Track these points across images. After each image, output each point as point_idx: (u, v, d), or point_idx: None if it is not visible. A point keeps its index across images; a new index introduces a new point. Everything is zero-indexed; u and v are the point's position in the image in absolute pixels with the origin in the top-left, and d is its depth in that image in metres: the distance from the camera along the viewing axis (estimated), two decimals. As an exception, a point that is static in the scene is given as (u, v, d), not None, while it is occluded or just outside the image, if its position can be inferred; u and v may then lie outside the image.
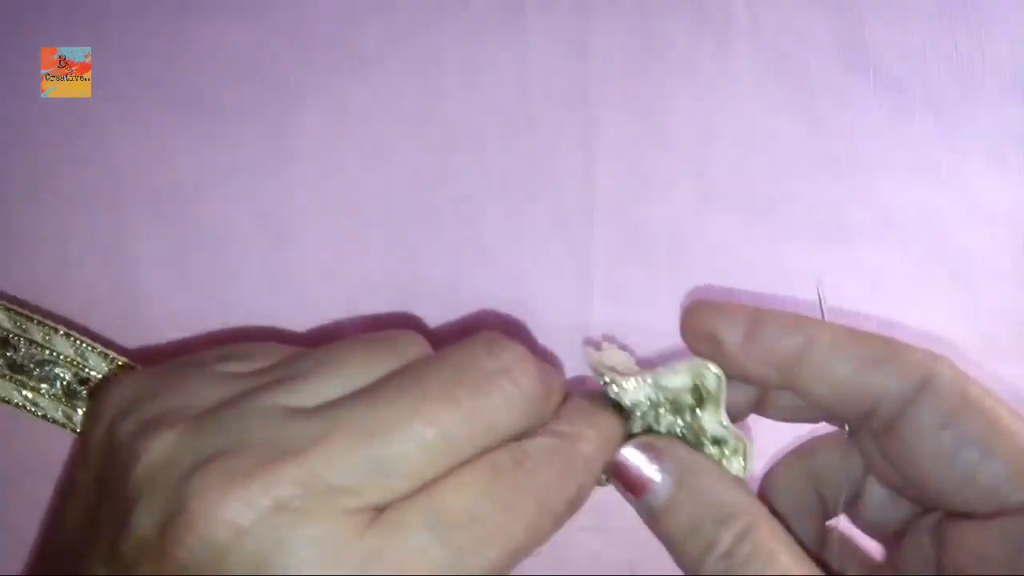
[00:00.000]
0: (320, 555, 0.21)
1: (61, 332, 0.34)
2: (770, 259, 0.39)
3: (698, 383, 0.28)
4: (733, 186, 0.39)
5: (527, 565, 0.28)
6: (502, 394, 0.24)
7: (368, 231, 0.39)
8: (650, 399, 0.28)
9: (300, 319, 0.39)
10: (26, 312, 0.35)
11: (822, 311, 0.32)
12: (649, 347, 0.38)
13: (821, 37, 0.39)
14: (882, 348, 0.26)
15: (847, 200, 0.39)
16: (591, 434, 0.26)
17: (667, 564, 0.27)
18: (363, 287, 0.39)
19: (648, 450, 0.27)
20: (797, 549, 0.24)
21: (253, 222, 0.39)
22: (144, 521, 0.22)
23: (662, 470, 0.26)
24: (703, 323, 0.28)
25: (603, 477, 0.28)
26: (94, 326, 0.38)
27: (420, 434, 0.23)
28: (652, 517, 0.26)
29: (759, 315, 0.27)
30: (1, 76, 0.39)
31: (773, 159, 0.39)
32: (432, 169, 0.39)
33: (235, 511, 0.21)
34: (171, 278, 0.39)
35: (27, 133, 0.39)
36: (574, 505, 0.25)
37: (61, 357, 0.34)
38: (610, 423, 0.27)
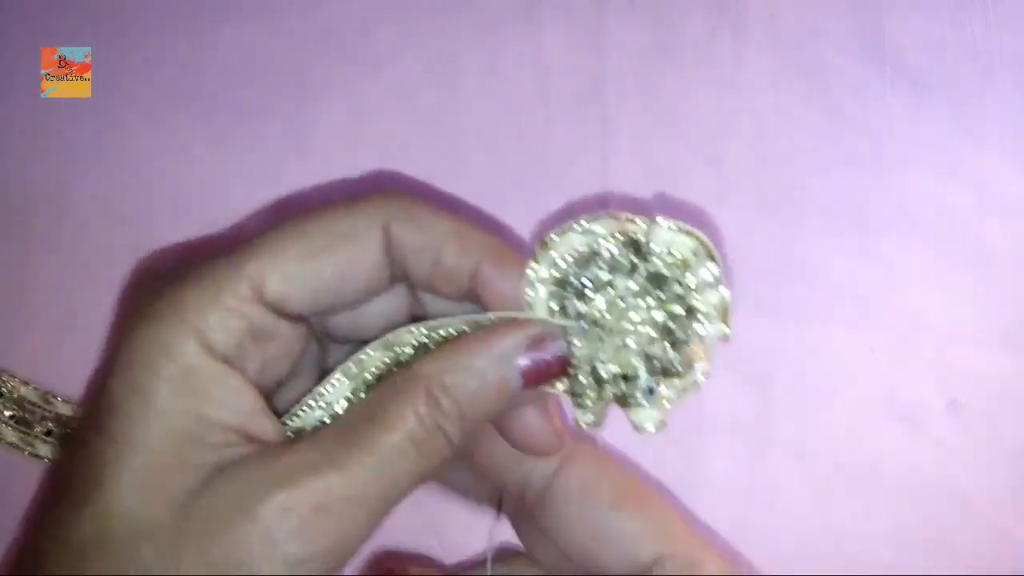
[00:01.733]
0: None
1: None
2: (786, 252, 0.38)
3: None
4: (749, 180, 0.39)
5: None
6: None
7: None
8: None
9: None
10: None
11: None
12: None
13: (838, 30, 0.39)
14: None
15: (864, 193, 0.38)
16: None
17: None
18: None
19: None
20: None
21: (271, 219, 0.39)
22: None
23: None
24: None
25: None
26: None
27: None
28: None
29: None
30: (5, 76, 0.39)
31: (789, 152, 0.39)
32: (448, 165, 0.39)
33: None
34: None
35: (41, 133, 0.39)
36: None
37: None
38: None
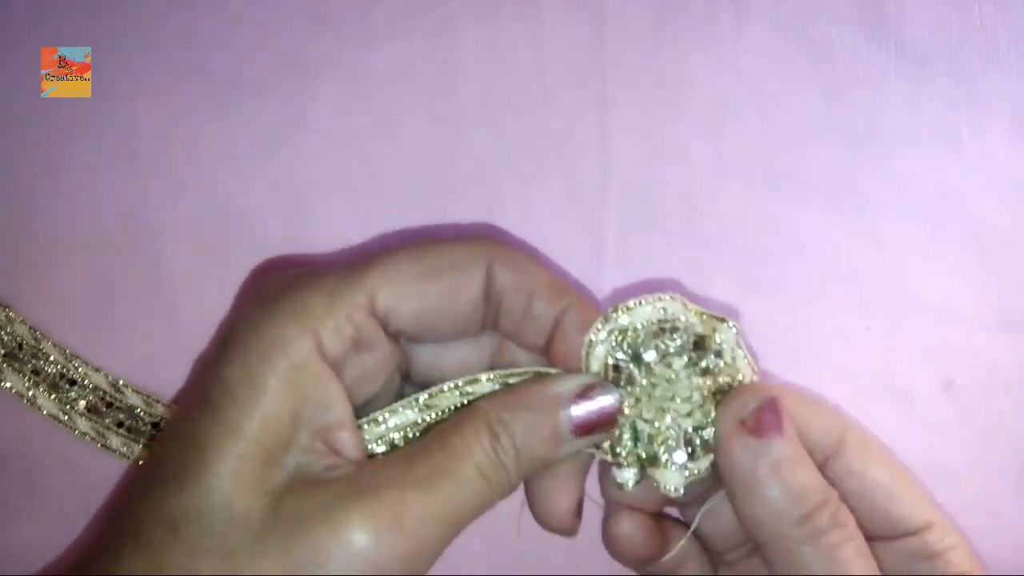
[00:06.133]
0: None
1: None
2: (786, 230, 0.39)
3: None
4: (749, 157, 0.39)
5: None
6: None
7: (384, 202, 0.40)
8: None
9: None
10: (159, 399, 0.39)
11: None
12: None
13: (840, 6, 0.38)
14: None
15: (865, 171, 0.38)
16: None
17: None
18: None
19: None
20: None
21: (271, 194, 0.40)
22: None
23: None
24: None
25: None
26: (117, 298, 0.40)
27: None
28: None
29: None
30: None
31: (790, 130, 0.39)
32: (447, 141, 0.40)
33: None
34: (190, 249, 0.40)
35: (42, 109, 0.40)
36: None
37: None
38: None
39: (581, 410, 0.28)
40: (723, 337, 0.28)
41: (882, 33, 0.38)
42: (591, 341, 0.28)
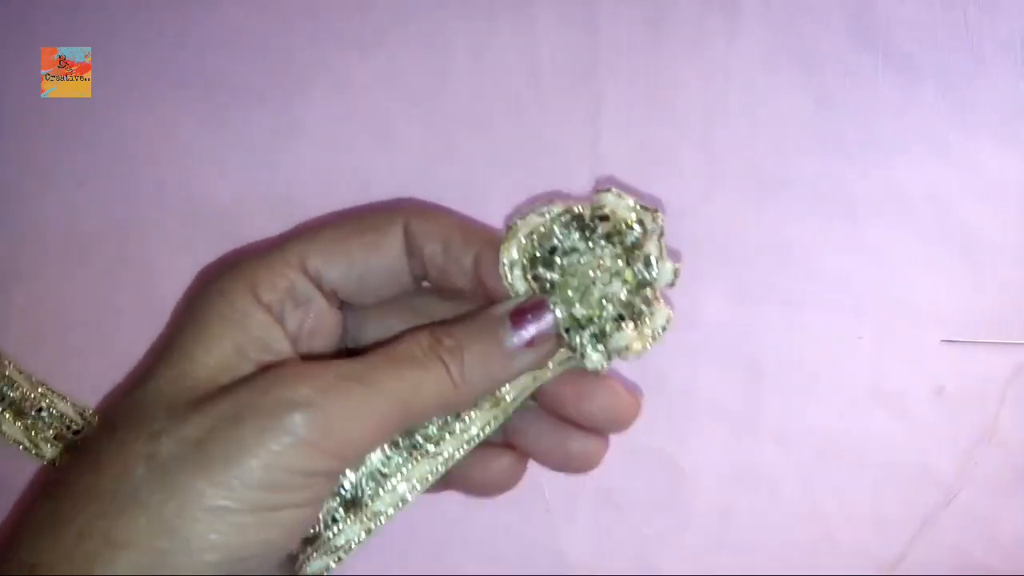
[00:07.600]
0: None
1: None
2: (775, 237, 0.39)
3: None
4: (740, 163, 0.39)
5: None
6: None
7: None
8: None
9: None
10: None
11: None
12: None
13: (830, 13, 0.39)
14: None
15: (854, 177, 0.39)
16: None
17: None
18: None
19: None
20: None
21: (261, 201, 0.40)
22: None
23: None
24: None
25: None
26: (110, 311, 0.39)
27: None
28: None
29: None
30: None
31: (781, 136, 0.39)
32: (439, 147, 0.40)
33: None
34: (181, 258, 0.39)
35: (33, 117, 0.39)
36: None
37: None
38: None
39: (521, 324, 0.29)
40: (604, 201, 0.29)
41: (871, 40, 0.38)
42: (504, 264, 0.30)
